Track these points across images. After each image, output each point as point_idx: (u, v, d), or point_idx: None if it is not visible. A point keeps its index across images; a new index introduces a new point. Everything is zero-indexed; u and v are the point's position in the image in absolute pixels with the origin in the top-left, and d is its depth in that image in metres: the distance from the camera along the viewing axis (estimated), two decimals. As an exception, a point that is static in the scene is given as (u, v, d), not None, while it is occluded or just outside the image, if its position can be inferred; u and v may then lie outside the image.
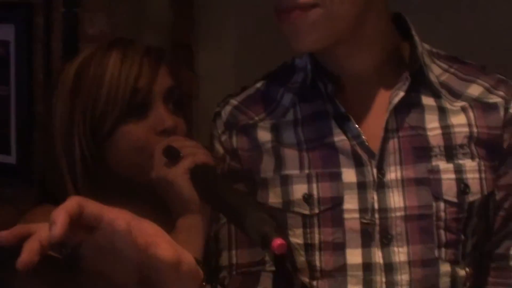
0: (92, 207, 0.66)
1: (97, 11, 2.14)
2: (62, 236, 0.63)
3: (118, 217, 0.66)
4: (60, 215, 0.64)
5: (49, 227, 0.63)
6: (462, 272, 1.06)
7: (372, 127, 1.05)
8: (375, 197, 1.03)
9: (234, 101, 1.14)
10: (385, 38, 1.08)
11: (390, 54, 1.08)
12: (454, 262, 1.05)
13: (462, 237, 1.05)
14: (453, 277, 1.05)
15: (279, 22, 1.02)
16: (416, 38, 1.09)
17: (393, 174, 1.04)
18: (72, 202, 0.66)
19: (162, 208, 1.04)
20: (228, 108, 1.13)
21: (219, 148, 1.12)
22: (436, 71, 1.09)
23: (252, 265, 1.09)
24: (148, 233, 0.68)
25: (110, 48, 1.13)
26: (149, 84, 1.11)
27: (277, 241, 0.81)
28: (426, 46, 1.11)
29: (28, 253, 0.63)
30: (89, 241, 0.67)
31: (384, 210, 1.03)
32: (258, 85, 1.15)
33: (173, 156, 1.04)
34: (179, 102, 1.16)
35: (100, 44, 1.16)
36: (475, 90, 1.09)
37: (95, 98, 1.09)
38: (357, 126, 1.05)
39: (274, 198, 1.06)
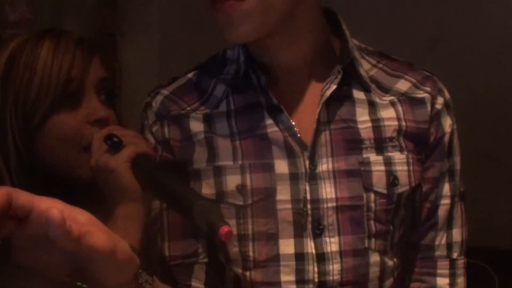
0: (22, 196, 0.64)
1: (18, -3, 2.09)
2: None
3: (51, 206, 0.63)
4: None
5: None
6: (390, 262, 1.08)
7: (305, 119, 1.07)
8: (307, 188, 1.04)
9: (165, 91, 1.13)
10: (316, 32, 1.09)
11: (322, 47, 1.10)
12: (383, 252, 1.07)
13: (391, 227, 1.07)
14: (382, 266, 1.07)
15: (214, 12, 1.01)
16: (347, 32, 1.11)
17: (324, 165, 1.05)
18: (1, 192, 0.63)
19: (96, 201, 1.04)
20: (159, 98, 1.12)
21: (151, 139, 1.11)
22: (366, 66, 1.11)
23: (185, 257, 1.10)
24: (82, 222, 0.66)
25: (42, 37, 1.11)
26: (82, 74, 1.10)
27: (225, 229, 0.83)
28: (355, 42, 1.13)
29: None
30: (20, 232, 0.64)
31: (316, 201, 1.05)
32: (190, 75, 1.15)
33: (114, 144, 1.03)
34: (111, 94, 1.15)
35: (31, 33, 1.14)
36: (403, 85, 1.11)
37: (26, 87, 1.08)
38: (289, 117, 1.06)
39: (207, 189, 1.06)
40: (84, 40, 1.14)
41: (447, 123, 1.12)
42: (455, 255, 1.14)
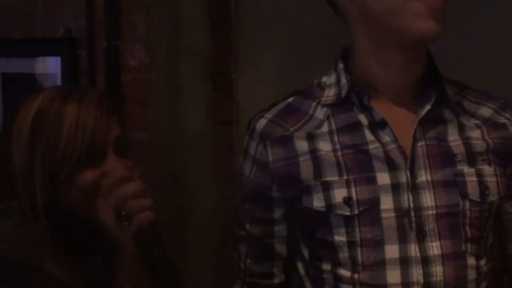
0: None
1: (136, 43, 2.21)
2: None
3: None
4: None
5: None
6: (484, 267, 1.16)
7: (402, 135, 1.15)
8: (410, 197, 1.13)
9: (268, 115, 1.23)
10: (427, 54, 1.19)
11: (426, 69, 1.19)
12: (478, 256, 1.15)
13: (485, 233, 1.16)
14: (478, 270, 1.15)
15: (418, 3, 1.09)
16: (435, 61, 1.20)
17: (423, 177, 1.14)
18: None
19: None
20: (262, 122, 1.22)
21: (249, 162, 1.23)
22: (450, 93, 1.20)
23: (262, 276, 1.28)
24: None
25: (65, 98, 1.16)
26: (103, 136, 1.15)
27: None
28: None
29: None
30: None
31: (418, 208, 1.13)
32: (289, 100, 1.25)
33: (122, 217, 1.11)
34: (128, 146, 1.20)
35: (55, 92, 1.20)
36: (485, 111, 1.21)
37: (53, 148, 1.13)
38: (393, 132, 1.15)
39: (317, 202, 1.16)
40: (104, 99, 1.19)
41: None
42: None
